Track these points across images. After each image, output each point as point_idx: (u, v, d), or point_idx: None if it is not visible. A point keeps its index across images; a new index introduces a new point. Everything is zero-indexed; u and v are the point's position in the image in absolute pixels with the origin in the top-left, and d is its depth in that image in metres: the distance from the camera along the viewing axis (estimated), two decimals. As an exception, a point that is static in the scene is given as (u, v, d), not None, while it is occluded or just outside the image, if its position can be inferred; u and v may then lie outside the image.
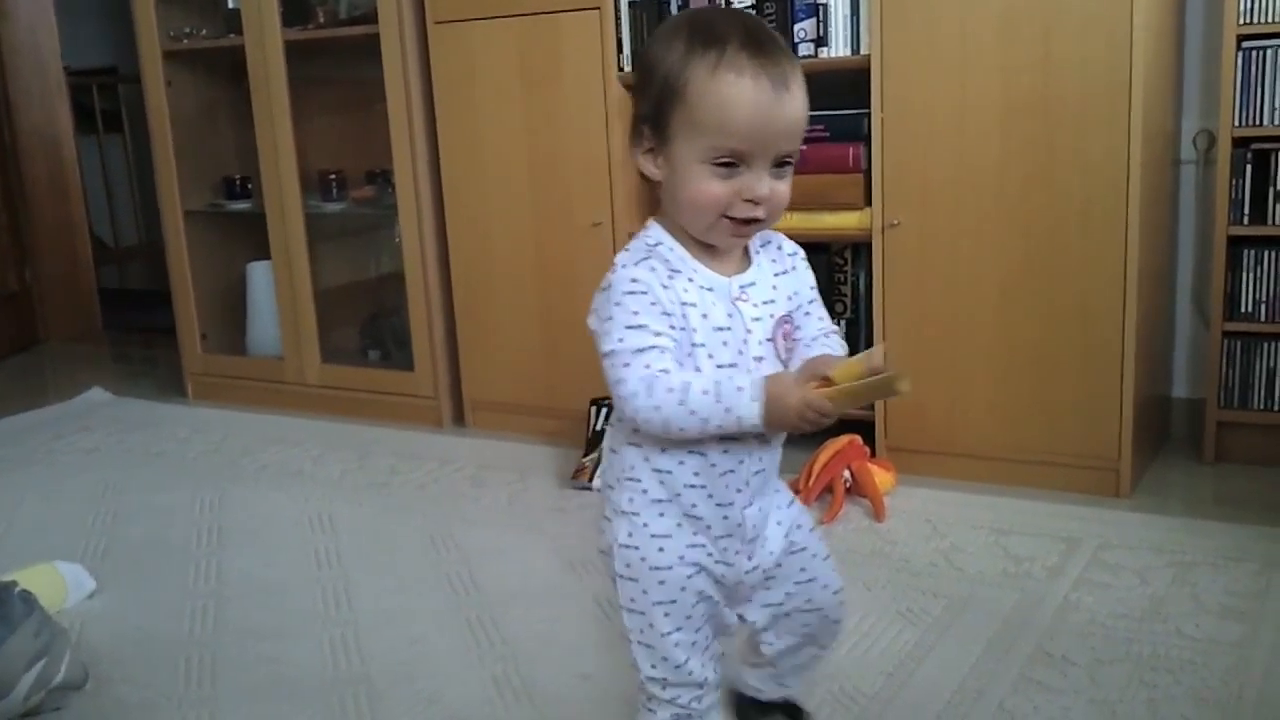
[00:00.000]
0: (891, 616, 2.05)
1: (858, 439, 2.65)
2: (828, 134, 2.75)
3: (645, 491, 1.38)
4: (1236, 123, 2.57)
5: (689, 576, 1.39)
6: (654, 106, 1.31)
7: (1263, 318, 2.62)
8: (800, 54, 2.74)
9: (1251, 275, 2.61)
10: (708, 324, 1.33)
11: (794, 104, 1.29)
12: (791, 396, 1.26)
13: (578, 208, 3.06)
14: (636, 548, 1.39)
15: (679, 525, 1.39)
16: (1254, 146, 2.57)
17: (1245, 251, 2.61)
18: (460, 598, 2.23)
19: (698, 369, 1.32)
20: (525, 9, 3.01)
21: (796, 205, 2.79)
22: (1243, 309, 2.63)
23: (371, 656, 2.00)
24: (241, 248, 3.81)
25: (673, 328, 1.31)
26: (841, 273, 2.84)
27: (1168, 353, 2.90)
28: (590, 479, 2.78)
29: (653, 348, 1.29)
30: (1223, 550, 2.22)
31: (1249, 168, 2.58)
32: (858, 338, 2.84)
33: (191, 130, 3.75)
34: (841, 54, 2.70)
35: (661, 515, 1.39)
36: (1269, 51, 2.52)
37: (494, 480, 2.90)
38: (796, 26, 2.73)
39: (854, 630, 2.00)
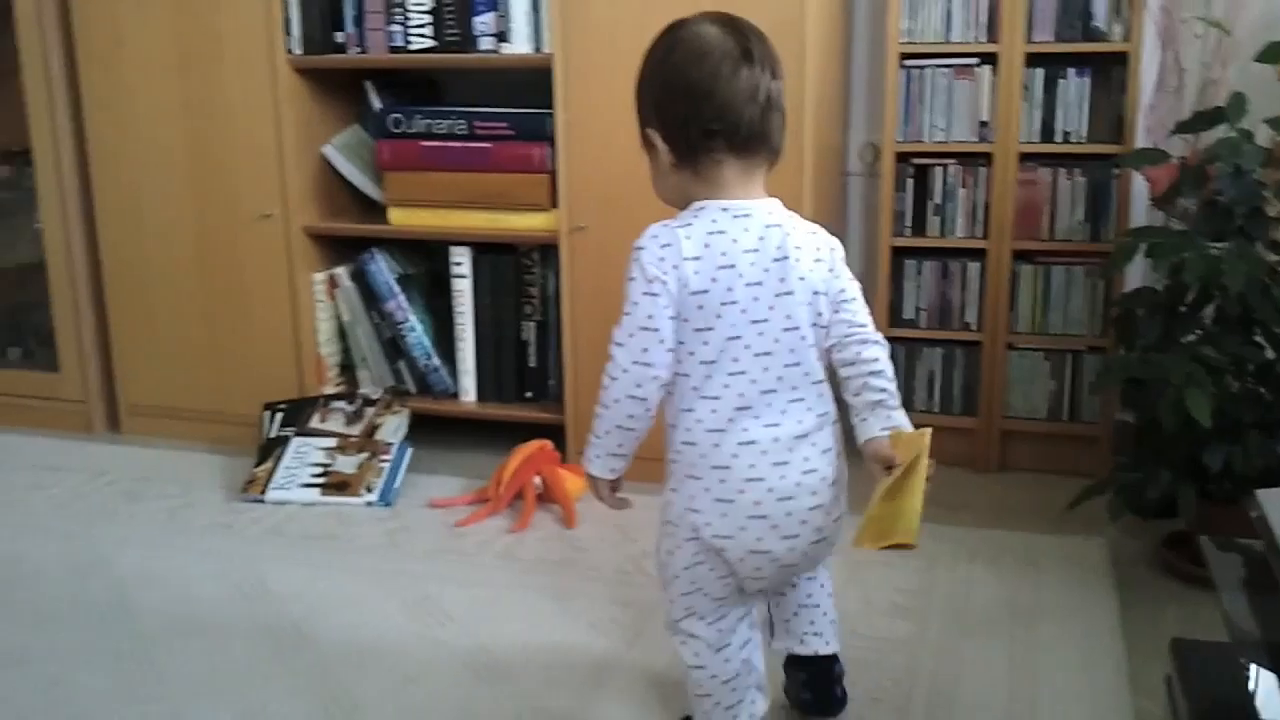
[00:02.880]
0: (582, 629, 2.01)
1: (548, 444, 2.60)
2: (513, 132, 2.68)
3: None
4: (899, 138, 2.71)
5: None
6: None
7: (923, 324, 2.78)
8: (481, 49, 2.66)
9: (912, 284, 2.76)
10: None
11: None
12: None
13: (244, 198, 2.84)
14: None
15: None
16: (915, 161, 2.72)
17: (906, 261, 2.76)
18: (109, 630, 2.01)
19: None
20: (179, -20, 2.76)
21: (483, 204, 2.74)
22: (904, 316, 2.78)
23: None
24: None
25: None
26: (530, 274, 2.78)
27: (837, 355, 3.03)
28: (263, 491, 2.59)
29: None
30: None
31: (910, 181, 2.72)
32: (547, 341, 2.79)
33: None
34: (523, 51, 2.63)
35: None
36: (927, 71, 2.66)
37: (152, 494, 2.65)
38: (476, 19, 2.64)
39: (542, 647, 1.95)
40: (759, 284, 1.42)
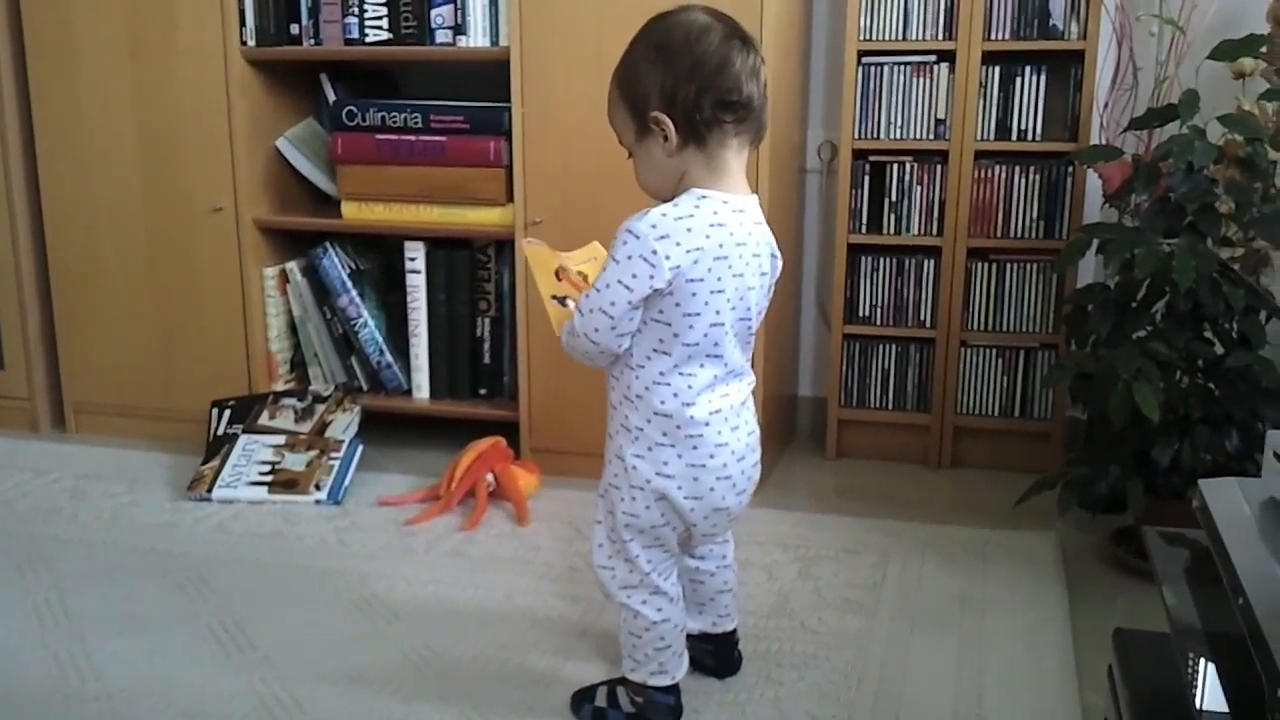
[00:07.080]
0: (530, 626, 1.99)
1: (501, 441, 2.58)
2: (468, 126, 2.66)
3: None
4: (856, 135, 2.71)
5: None
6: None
7: (878, 321, 2.78)
8: (437, 41, 2.63)
9: (868, 281, 2.76)
10: None
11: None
12: None
13: (196, 191, 2.80)
14: None
15: None
16: (871, 159, 2.72)
17: (863, 258, 2.75)
18: (49, 630, 1.97)
19: None
20: (132, -30, 2.72)
21: (438, 198, 2.72)
22: (860, 313, 2.78)
23: (-70, 708, 1.72)
24: None
25: None
26: (485, 270, 2.76)
27: (794, 353, 3.03)
28: (209, 489, 2.55)
29: None
30: (843, 543, 2.32)
31: (867, 179, 2.72)
32: (502, 337, 2.77)
33: None
34: (480, 44, 2.61)
35: None
36: (885, 68, 2.66)
37: (96, 492, 2.60)
38: (434, 12, 2.62)
39: (490, 645, 1.92)
40: (740, 276, 1.52)
